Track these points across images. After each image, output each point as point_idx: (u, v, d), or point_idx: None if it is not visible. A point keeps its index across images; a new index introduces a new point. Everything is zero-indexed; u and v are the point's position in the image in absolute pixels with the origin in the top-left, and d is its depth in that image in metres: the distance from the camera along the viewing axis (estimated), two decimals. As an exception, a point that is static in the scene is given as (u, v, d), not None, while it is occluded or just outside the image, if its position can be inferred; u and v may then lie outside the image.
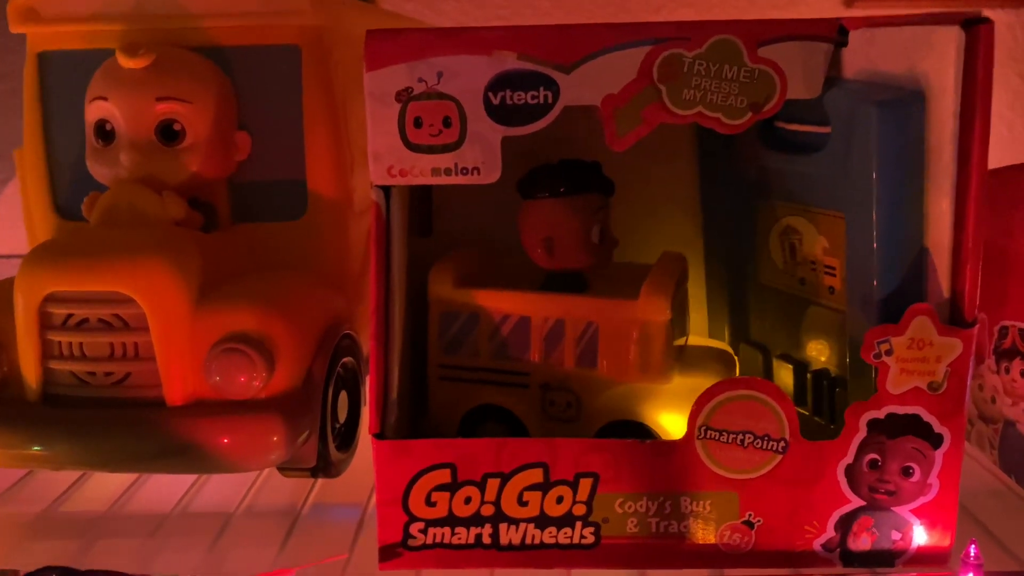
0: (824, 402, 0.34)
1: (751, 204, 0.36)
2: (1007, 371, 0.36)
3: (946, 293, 0.29)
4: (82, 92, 0.37)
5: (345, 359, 0.38)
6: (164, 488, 0.37)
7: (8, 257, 0.94)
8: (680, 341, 0.35)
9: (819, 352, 0.35)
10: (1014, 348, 0.35)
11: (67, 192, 0.40)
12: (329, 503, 0.36)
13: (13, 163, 1.00)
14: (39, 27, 0.38)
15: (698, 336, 0.39)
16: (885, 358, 0.29)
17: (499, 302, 0.33)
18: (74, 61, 0.38)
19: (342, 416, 0.38)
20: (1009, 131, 0.96)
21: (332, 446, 0.36)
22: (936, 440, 0.29)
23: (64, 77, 0.39)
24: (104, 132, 0.36)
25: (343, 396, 0.38)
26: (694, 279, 0.38)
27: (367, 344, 0.42)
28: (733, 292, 0.38)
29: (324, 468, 0.36)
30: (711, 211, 0.38)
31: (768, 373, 0.37)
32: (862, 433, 0.29)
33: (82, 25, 0.38)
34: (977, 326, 0.28)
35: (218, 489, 0.37)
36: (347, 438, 0.38)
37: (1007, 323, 0.36)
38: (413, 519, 0.30)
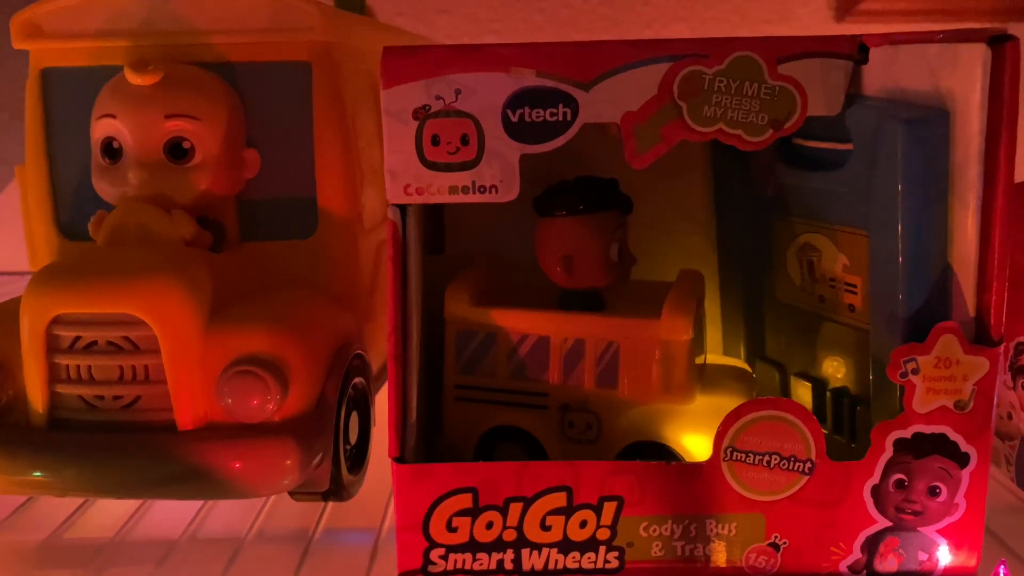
0: (844, 421, 0.34)
1: (767, 221, 0.36)
2: (1023, 387, 0.36)
3: (972, 311, 0.29)
4: (86, 109, 0.37)
5: (356, 379, 0.37)
6: (171, 513, 0.36)
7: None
8: (699, 360, 0.34)
9: (837, 370, 0.34)
10: (1030, 364, 0.35)
11: (70, 211, 0.39)
12: (341, 527, 0.35)
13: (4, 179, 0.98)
14: (43, 43, 0.38)
15: (713, 353, 0.38)
16: (911, 377, 0.28)
17: (517, 321, 0.33)
18: (78, 78, 0.38)
19: (353, 437, 0.37)
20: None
21: (344, 468, 0.35)
22: (963, 459, 0.29)
23: (68, 94, 0.38)
24: (111, 150, 0.35)
25: (354, 417, 0.38)
26: (709, 296, 0.38)
27: (376, 363, 0.41)
28: (748, 309, 0.38)
29: (336, 491, 0.35)
30: (726, 228, 0.38)
31: (785, 391, 0.37)
32: (888, 453, 0.29)
33: (87, 42, 0.37)
34: (1003, 344, 0.28)
35: (226, 514, 0.36)
36: (358, 460, 0.38)
37: (1023, 339, 0.36)
38: (434, 545, 0.29)
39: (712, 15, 0.98)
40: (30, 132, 0.39)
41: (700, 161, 0.38)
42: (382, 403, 0.38)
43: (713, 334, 0.39)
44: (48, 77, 0.38)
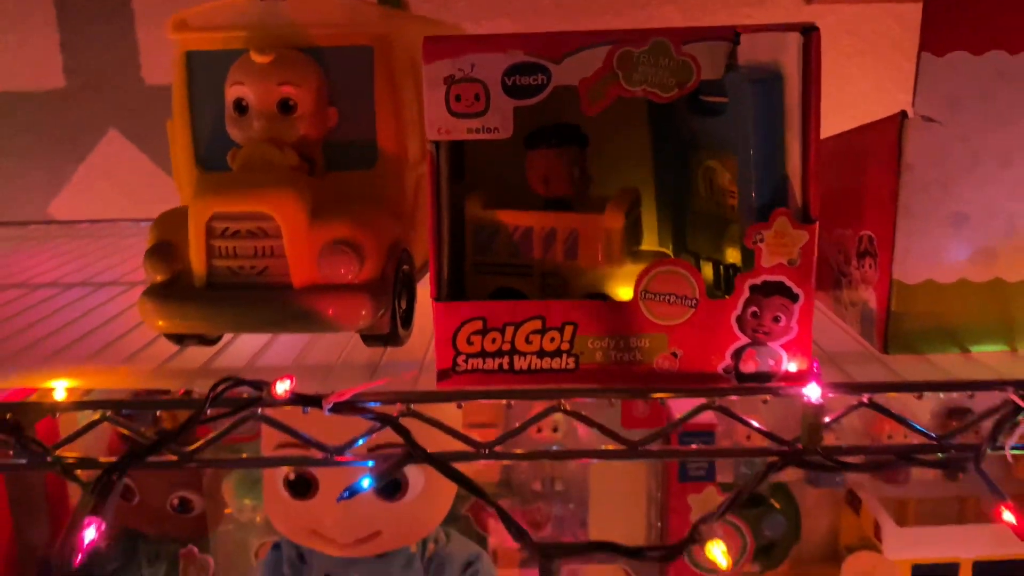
0: (732, 286, 0.50)
1: (685, 153, 0.52)
2: (862, 265, 0.52)
3: (799, 202, 0.44)
4: (217, 79, 0.53)
5: (404, 266, 0.54)
6: (282, 352, 0.54)
7: (76, 222, 1.11)
8: (636, 247, 0.51)
9: (729, 255, 0.51)
10: (866, 249, 0.51)
11: (205, 150, 0.55)
12: (397, 360, 0.53)
13: (84, 146, 1.18)
14: (188, 34, 0.54)
15: (650, 246, 0.55)
16: (760, 244, 0.44)
17: (513, 218, 0.49)
18: (211, 58, 0.54)
19: (403, 305, 0.54)
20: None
21: (399, 323, 0.52)
22: (795, 297, 0.45)
23: (204, 69, 0.55)
24: (240, 107, 0.52)
25: (404, 294, 0.54)
26: (648, 209, 0.54)
27: (419, 259, 0.58)
28: (675, 217, 0.54)
29: (393, 338, 0.52)
30: (659, 159, 0.54)
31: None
32: (746, 294, 0.45)
33: (220, 32, 0.53)
34: (818, 223, 0.44)
35: (321, 351, 0.53)
36: (407, 320, 0.54)
37: (863, 233, 0.52)
38: (459, 353, 0.46)
39: (698, 1, 1.12)
40: (176, 96, 0.55)
41: (641, 113, 0.54)
42: (423, 296, 0.54)
43: (651, 235, 0.55)
44: (191, 57, 0.55)
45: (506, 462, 0.86)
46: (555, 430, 0.86)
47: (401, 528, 0.69)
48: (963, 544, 0.87)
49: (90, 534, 0.40)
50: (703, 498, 0.85)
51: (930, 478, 0.98)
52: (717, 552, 0.44)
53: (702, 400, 0.46)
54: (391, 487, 0.68)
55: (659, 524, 0.89)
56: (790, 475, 0.92)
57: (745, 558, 0.87)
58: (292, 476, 0.68)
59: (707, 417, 0.67)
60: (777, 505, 0.91)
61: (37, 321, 0.62)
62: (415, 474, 0.68)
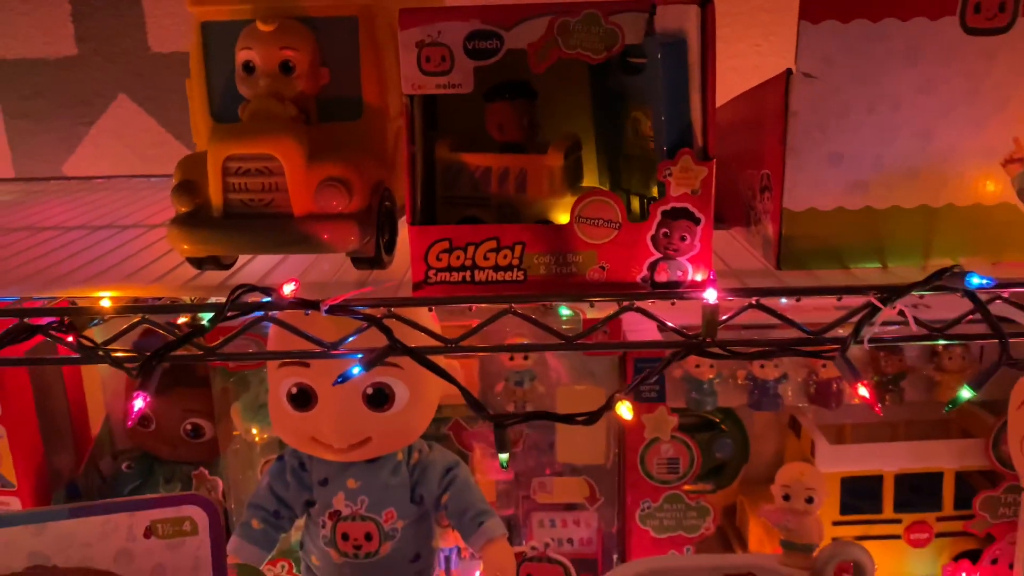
0: (654, 214, 0.61)
1: (618, 106, 0.63)
2: (763, 199, 0.63)
3: (700, 144, 0.55)
4: (228, 46, 0.63)
5: (386, 202, 0.65)
6: (286, 275, 0.64)
7: (89, 179, 1.21)
8: (579, 184, 0.62)
9: (655, 190, 0.62)
10: (765, 185, 0.62)
11: (218, 105, 0.66)
12: (380, 279, 0.64)
13: (95, 109, 1.28)
14: (204, 7, 0.64)
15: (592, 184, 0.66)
16: (669, 178, 0.55)
17: (474, 159, 0.60)
18: (223, 27, 0.64)
19: (386, 235, 0.65)
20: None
21: (382, 249, 0.63)
22: (697, 220, 0.56)
23: (216, 36, 0.65)
24: (248, 67, 0.62)
25: (386, 227, 0.65)
26: (589, 153, 0.65)
27: (399, 198, 0.69)
28: (610, 159, 0.65)
29: (378, 261, 0.63)
30: (597, 111, 0.65)
31: (628, 203, 0.64)
32: (658, 218, 0.56)
33: (230, 5, 0.63)
34: (715, 160, 0.55)
35: (320, 272, 0.64)
36: (389, 247, 0.65)
37: (763, 171, 0.63)
38: (430, 268, 0.57)
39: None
40: (193, 60, 0.65)
41: (582, 71, 0.64)
42: (404, 233, 0.65)
43: (592, 176, 0.66)
44: (205, 27, 0.65)
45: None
46: (525, 358, 0.97)
47: (389, 435, 0.80)
48: (886, 459, 0.98)
49: (138, 404, 0.51)
50: (655, 416, 0.97)
51: (862, 404, 1.10)
52: (623, 409, 0.56)
53: (625, 303, 0.57)
54: (380, 399, 0.79)
55: (616, 450, 0.99)
56: (735, 401, 1.03)
57: (693, 472, 0.98)
58: (294, 390, 0.79)
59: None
60: (725, 428, 1.03)
61: (76, 252, 0.73)
62: (401, 388, 0.79)
